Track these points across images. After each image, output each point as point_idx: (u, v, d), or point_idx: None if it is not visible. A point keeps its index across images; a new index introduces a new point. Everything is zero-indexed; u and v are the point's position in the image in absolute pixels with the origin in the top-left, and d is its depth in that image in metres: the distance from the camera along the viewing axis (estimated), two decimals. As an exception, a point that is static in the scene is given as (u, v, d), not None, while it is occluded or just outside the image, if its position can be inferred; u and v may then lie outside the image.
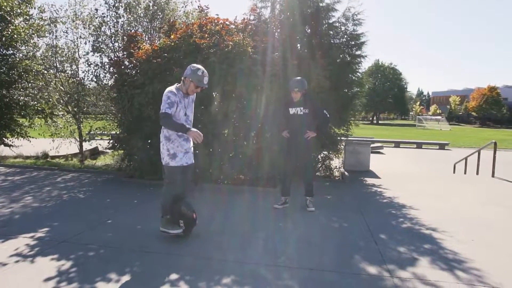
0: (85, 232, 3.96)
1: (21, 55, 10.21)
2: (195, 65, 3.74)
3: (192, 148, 3.89)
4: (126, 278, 2.94)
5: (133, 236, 3.91)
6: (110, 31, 8.66)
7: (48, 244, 3.59)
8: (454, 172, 10.76)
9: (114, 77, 6.99)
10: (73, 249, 3.46)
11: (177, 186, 3.75)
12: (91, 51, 8.70)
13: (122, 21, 8.69)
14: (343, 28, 7.62)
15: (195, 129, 3.52)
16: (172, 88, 3.69)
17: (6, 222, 4.30)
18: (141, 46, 6.78)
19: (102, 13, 8.76)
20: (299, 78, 4.99)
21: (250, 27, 6.92)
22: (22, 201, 5.23)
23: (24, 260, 3.22)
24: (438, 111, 69.66)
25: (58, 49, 10.14)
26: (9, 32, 9.50)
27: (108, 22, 8.67)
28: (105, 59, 8.63)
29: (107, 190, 6.25)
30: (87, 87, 9.87)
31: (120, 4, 8.57)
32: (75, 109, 9.86)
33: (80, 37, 9.46)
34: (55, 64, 10.25)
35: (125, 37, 7.64)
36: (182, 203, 3.76)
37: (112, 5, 8.51)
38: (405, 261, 3.39)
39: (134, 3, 8.74)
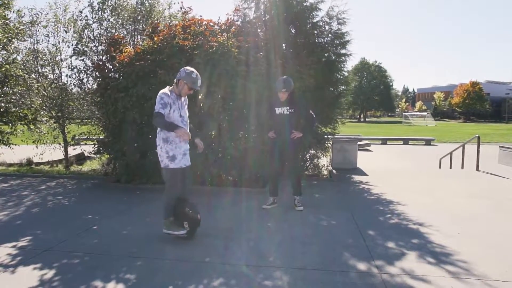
0: (69, 240, 3.87)
1: (0, 59, 9.95)
2: (188, 68, 3.85)
3: (189, 150, 3.92)
4: (112, 285, 2.88)
5: (120, 241, 3.84)
6: (94, 34, 8.51)
7: (30, 253, 3.49)
8: (440, 167, 10.92)
9: (97, 80, 6.87)
10: (57, 258, 3.37)
11: (178, 187, 3.80)
12: (73, 55, 8.51)
13: (106, 24, 8.55)
14: (327, 27, 7.65)
15: (183, 128, 3.59)
16: (166, 90, 3.77)
17: (-13, 232, 4.17)
18: (123, 49, 6.68)
19: (85, 16, 8.60)
20: (285, 77, 4.97)
21: (234, 27, 6.90)
22: (4, 210, 5.08)
23: (5, 270, 3.12)
24: (423, 108, 70.75)
25: (39, 53, 9.93)
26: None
27: (92, 25, 8.52)
28: (88, 63, 8.48)
29: (92, 196, 6.13)
30: (71, 91, 9.68)
31: (106, 7, 8.43)
32: (59, 114, 9.66)
33: (62, 40, 9.27)
34: (36, 69, 10.03)
35: (107, 40, 7.51)
36: (186, 205, 3.82)
37: (97, 8, 8.36)
38: (393, 257, 3.41)
39: (119, 7, 8.60)
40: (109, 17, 8.60)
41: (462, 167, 9.78)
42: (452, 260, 3.33)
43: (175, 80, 3.82)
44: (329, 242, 3.83)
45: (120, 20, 8.74)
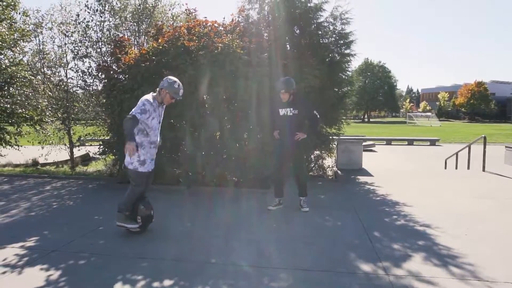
0: (76, 240, 3.89)
1: (6, 61, 10.03)
2: (171, 77, 4.00)
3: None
4: (119, 285, 2.89)
5: (126, 242, 3.85)
6: (97, 36, 8.54)
7: (37, 253, 3.52)
8: (445, 167, 10.86)
9: (102, 82, 6.90)
10: (63, 258, 3.39)
11: (142, 188, 4.02)
12: (76, 58, 8.56)
13: (108, 25, 8.57)
14: (331, 27, 7.64)
15: (133, 143, 3.63)
16: (149, 97, 3.89)
17: (-5, 232, 4.20)
18: (128, 51, 6.71)
19: (84, 18, 8.63)
20: (285, 78, 4.95)
21: (238, 28, 6.90)
22: (10, 210, 5.12)
23: (12, 271, 3.14)
24: (427, 108, 70.41)
25: (45, 54, 9.99)
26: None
27: (93, 27, 8.54)
28: (93, 65, 8.52)
29: (98, 197, 6.16)
30: (76, 93, 9.73)
31: (105, 8, 8.45)
32: (64, 115, 9.72)
33: (66, 43, 9.31)
34: (42, 70, 10.10)
35: (112, 43, 7.55)
36: (141, 202, 4.03)
37: (95, 10, 8.38)
38: (400, 258, 3.40)
39: (118, 8, 8.63)
40: (110, 18, 8.61)
41: (468, 168, 9.72)
42: (459, 262, 3.31)
43: (157, 88, 3.94)
44: (335, 243, 3.82)
45: (121, 22, 8.74)
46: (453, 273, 3.08)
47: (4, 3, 9.97)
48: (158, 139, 4.07)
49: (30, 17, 10.06)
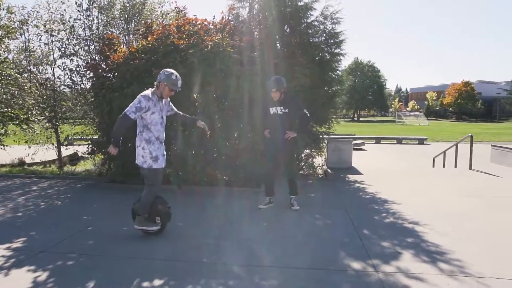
0: (65, 241, 3.83)
1: (-9, 59, 9.81)
2: (168, 69, 3.90)
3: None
4: (108, 285, 2.86)
5: (115, 242, 3.81)
6: (85, 34, 8.41)
7: (25, 254, 3.45)
8: (433, 166, 11.01)
9: (91, 80, 6.81)
10: (52, 259, 3.34)
11: (159, 186, 3.91)
12: (64, 56, 8.43)
13: (96, 23, 8.45)
14: (321, 26, 7.66)
15: (113, 147, 3.70)
16: (148, 92, 3.79)
17: (-20, 233, 4.11)
18: (117, 49, 6.63)
19: (71, 16, 8.50)
20: (276, 77, 4.97)
21: (229, 27, 6.88)
22: (-3, 211, 5.02)
23: (-1, 272, 3.08)
24: (416, 107, 71.28)
25: (31, 52, 9.80)
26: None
27: (81, 25, 8.41)
28: (81, 63, 8.39)
29: (87, 196, 6.08)
30: (63, 91, 9.58)
31: (93, 6, 8.33)
32: (52, 114, 9.56)
33: (53, 40, 9.14)
34: (28, 68, 9.91)
35: (100, 41, 7.45)
36: (159, 201, 3.94)
37: (84, 9, 8.26)
38: (389, 256, 3.44)
39: (107, 5, 8.51)
40: (97, 15, 8.48)
41: (455, 166, 9.88)
42: (447, 258, 3.36)
43: (155, 82, 3.85)
44: (325, 241, 3.85)
45: (109, 20, 8.63)
46: (442, 269, 3.13)
47: None
48: (162, 135, 3.90)
49: (15, 14, 9.88)
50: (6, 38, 9.75)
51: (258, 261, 3.34)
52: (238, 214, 4.94)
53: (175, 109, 4.20)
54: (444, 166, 10.56)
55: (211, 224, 4.43)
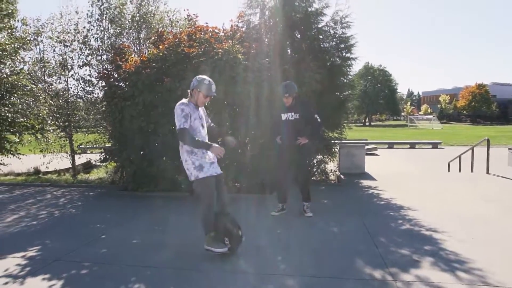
0: (78, 249, 3.84)
1: (7, 70, 10.04)
2: (200, 76, 3.72)
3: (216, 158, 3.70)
4: (121, 295, 2.84)
5: (128, 250, 3.81)
6: (97, 44, 8.56)
7: (40, 263, 3.47)
8: (448, 170, 10.79)
9: (103, 90, 6.90)
10: (65, 268, 3.34)
11: (211, 198, 3.56)
12: (76, 66, 8.60)
13: (108, 33, 8.60)
14: (332, 31, 7.63)
15: (216, 145, 3.47)
16: (184, 100, 3.62)
17: (-4, 242, 4.16)
18: (128, 58, 6.71)
19: (84, 27, 8.65)
20: (287, 82, 4.94)
21: (239, 34, 6.91)
22: (12, 220, 5.08)
23: (14, 281, 3.09)
24: (429, 111, 70.36)
25: (45, 63, 10.01)
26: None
27: (93, 35, 8.57)
28: (93, 73, 8.54)
29: (100, 204, 6.12)
30: (77, 101, 9.74)
31: (104, 17, 8.48)
32: (66, 123, 9.71)
33: (66, 51, 9.32)
34: (43, 78, 10.11)
35: (112, 50, 7.56)
36: (226, 219, 3.60)
37: (95, 19, 8.41)
38: (407, 264, 3.34)
39: (118, 15, 8.65)
40: (109, 26, 8.63)
41: (472, 170, 9.66)
42: (467, 267, 3.25)
43: (189, 91, 3.68)
44: (340, 249, 3.77)
45: (121, 29, 8.77)
46: (462, 279, 3.02)
47: (4, 13, 10.02)
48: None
49: (30, 26, 10.11)
50: (21, 49, 9.99)
51: (271, 269, 3.28)
52: (250, 221, 4.87)
53: (210, 121, 4.03)
54: (460, 171, 10.33)
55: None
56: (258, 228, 4.56)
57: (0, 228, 4.67)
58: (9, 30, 10.01)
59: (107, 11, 8.51)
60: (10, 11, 10.21)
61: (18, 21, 10.22)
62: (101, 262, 3.48)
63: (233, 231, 3.57)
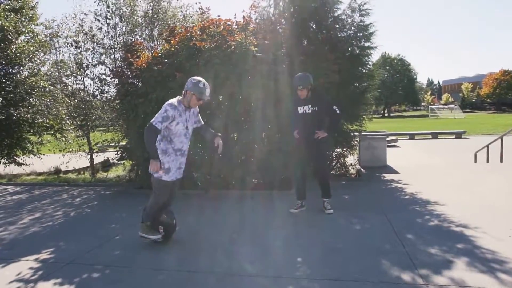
0: (91, 251, 3.75)
1: (26, 72, 10.17)
2: (195, 77, 3.67)
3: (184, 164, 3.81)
4: (134, 301, 2.71)
5: (142, 252, 3.69)
6: (109, 42, 8.51)
7: (52, 267, 3.39)
8: (475, 161, 10.28)
9: (116, 87, 6.83)
10: (78, 271, 3.25)
11: (165, 197, 3.74)
12: (90, 65, 8.58)
13: (120, 31, 8.54)
14: (349, 20, 7.33)
15: (156, 162, 3.44)
16: (174, 101, 3.57)
17: (10, 244, 4.12)
18: (140, 55, 6.60)
19: (91, 27, 8.64)
20: (301, 74, 4.68)
21: (253, 25, 6.69)
22: (28, 220, 5.07)
23: (26, 286, 3.02)
24: (450, 100, 68.20)
25: (63, 64, 10.09)
26: (13, 51, 9.46)
27: (104, 34, 8.53)
28: (107, 71, 8.51)
29: (116, 203, 6.06)
30: (93, 100, 9.77)
31: (113, 14, 8.41)
32: (83, 122, 9.76)
33: (81, 51, 9.33)
34: (61, 79, 10.20)
35: (123, 48, 7.49)
36: (164, 211, 3.83)
37: (104, 17, 8.36)
38: (438, 265, 3.08)
39: (128, 12, 8.57)
40: (120, 23, 8.57)
41: (501, 161, 9.16)
42: (508, 268, 2.96)
43: (183, 91, 3.64)
44: (364, 249, 3.53)
45: (133, 26, 8.69)
46: (503, 281, 2.74)
47: (24, 17, 10.15)
48: (185, 146, 3.69)
49: (50, 28, 10.20)
50: (39, 51, 10.08)
51: (291, 271, 3.08)
52: (268, 219, 4.70)
53: (202, 122, 3.94)
54: (488, 161, 9.82)
55: (240, 231, 4.22)
56: (276, 226, 4.37)
57: (15, 230, 4.65)
58: (31, 34, 10.15)
59: (116, 8, 8.44)
60: (31, 15, 10.37)
61: (38, 24, 10.36)
62: (114, 265, 3.37)
63: (168, 221, 3.85)
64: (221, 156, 6.12)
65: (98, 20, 8.41)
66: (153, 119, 3.45)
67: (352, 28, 7.31)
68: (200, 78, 3.65)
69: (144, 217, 3.75)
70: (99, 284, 3.02)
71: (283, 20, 7.06)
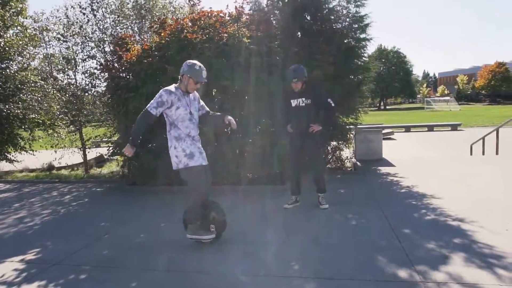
0: (79, 251, 3.63)
1: (16, 67, 9.95)
2: (190, 60, 3.52)
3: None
4: (121, 303, 2.61)
5: (131, 251, 3.57)
6: (98, 36, 8.31)
7: (37, 268, 3.27)
8: (471, 153, 10.24)
9: (106, 82, 6.67)
10: (63, 273, 3.13)
11: (203, 187, 3.43)
12: (81, 60, 8.40)
13: (108, 23, 8.34)
14: (344, 11, 7.18)
15: (132, 148, 3.28)
16: (170, 87, 3.44)
17: (-4, 244, 4.00)
18: (130, 48, 6.43)
19: (77, 19, 8.44)
20: (295, 66, 4.55)
21: (246, 17, 6.53)
22: (15, 219, 4.93)
23: (9, 289, 2.91)
24: (446, 92, 68.32)
25: (53, 58, 9.88)
26: (2, 45, 9.23)
27: (91, 27, 8.34)
28: (98, 65, 8.33)
29: (107, 201, 5.94)
30: (84, 95, 9.58)
31: (99, 7, 8.21)
32: (75, 118, 9.59)
33: (71, 46, 9.12)
34: (52, 73, 9.99)
35: (113, 41, 7.31)
36: (212, 208, 3.60)
37: (89, 11, 8.16)
38: (435, 260, 3.00)
39: (115, 4, 8.37)
40: (107, 15, 8.37)
41: (497, 153, 9.11)
42: (506, 263, 2.89)
43: (179, 76, 3.50)
44: (359, 245, 3.45)
45: (120, 19, 8.50)
46: (501, 277, 2.67)
47: (13, 10, 9.90)
48: (193, 132, 3.47)
49: (36, 21, 9.97)
50: (29, 45, 9.85)
51: (284, 270, 2.99)
52: (261, 215, 4.60)
53: (207, 108, 3.74)
54: (483, 154, 9.78)
55: (233, 228, 4.09)
56: (269, 222, 4.28)
57: (0, 229, 4.51)
58: (19, 28, 9.91)
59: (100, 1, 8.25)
60: (19, 9, 10.12)
61: (26, 17, 10.12)
62: (102, 266, 3.26)
63: (220, 218, 3.62)
64: (214, 150, 6.04)
65: (83, 14, 8.20)
66: (148, 104, 3.33)
67: (347, 19, 7.17)
68: (195, 61, 3.50)
69: (192, 217, 3.51)
70: (86, 285, 2.91)
71: (277, 11, 6.91)
